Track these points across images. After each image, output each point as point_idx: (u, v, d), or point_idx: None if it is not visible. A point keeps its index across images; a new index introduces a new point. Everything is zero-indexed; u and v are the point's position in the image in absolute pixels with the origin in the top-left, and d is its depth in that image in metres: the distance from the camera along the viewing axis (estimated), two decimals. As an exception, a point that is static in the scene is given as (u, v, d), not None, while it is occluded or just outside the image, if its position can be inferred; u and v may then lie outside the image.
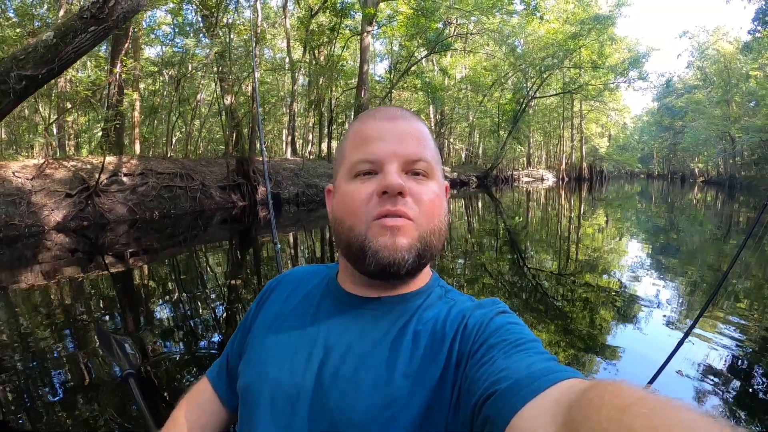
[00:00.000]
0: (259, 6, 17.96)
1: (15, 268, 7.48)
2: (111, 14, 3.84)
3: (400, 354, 0.74)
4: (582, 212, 19.16)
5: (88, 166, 12.44)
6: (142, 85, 18.52)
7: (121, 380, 1.38)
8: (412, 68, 25.00)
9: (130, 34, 15.04)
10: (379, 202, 0.75)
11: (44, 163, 11.68)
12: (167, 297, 5.88)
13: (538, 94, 38.45)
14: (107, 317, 5.03)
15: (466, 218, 16.17)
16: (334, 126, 26.37)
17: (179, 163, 15.39)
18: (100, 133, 18.87)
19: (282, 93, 27.76)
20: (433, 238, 0.78)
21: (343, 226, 0.79)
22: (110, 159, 12.89)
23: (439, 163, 0.83)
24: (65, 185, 11.44)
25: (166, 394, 3.28)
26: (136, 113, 18.00)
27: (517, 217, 16.99)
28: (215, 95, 20.68)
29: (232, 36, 16.73)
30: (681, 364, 3.73)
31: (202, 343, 4.28)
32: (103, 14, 3.82)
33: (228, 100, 17.44)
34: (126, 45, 15.10)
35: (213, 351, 4.01)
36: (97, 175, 11.97)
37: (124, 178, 12.94)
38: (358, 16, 22.31)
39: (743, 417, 3.12)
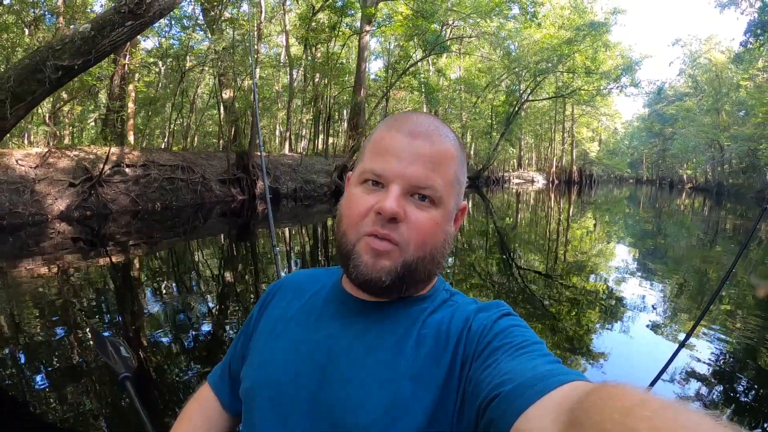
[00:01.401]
0: (263, 2, 18.08)
1: (16, 257, 7.55)
2: (148, 10, 4.01)
3: (405, 356, 0.74)
4: (571, 215, 19.43)
5: (91, 156, 12.55)
6: (137, 76, 18.56)
7: (118, 384, 1.39)
8: (404, 65, 25.25)
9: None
10: (373, 220, 0.75)
11: (47, 152, 11.76)
12: (164, 294, 5.88)
13: (531, 98, 38.83)
14: (103, 313, 5.04)
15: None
16: (330, 123, 26.48)
17: (180, 156, 15.55)
18: (92, 123, 18.91)
19: (277, 89, 27.83)
20: (421, 265, 0.77)
21: (340, 228, 0.80)
22: (113, 150, 13.01)
23: (457, 186, 0.82)
24: (68, 174, 11.55)
25: (163, 396, 3.30)
26: (131, 104, 18.05)
27: (507, 218, 17.28)
28: (214, 89, 20.72)
29: (235, 31, 16.82)
30: (681, 366, 3.85)
31: (200, 344, 4.24)
32: (141, 10, 3.99)
33: (227, 94, 17.56)
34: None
35: (211, 352, 3.99)
36: (99, 165, 12.10)
37: (127, 169, 13.07)
38: (356, 14, 22.44)
39: (744, 417, 3.22)
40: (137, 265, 7.41)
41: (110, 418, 2.94)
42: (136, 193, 12.93)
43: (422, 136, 0.77)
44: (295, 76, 23.86)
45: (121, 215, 11.89)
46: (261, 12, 17.91)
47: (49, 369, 3.60)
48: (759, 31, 25.31)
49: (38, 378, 3.44)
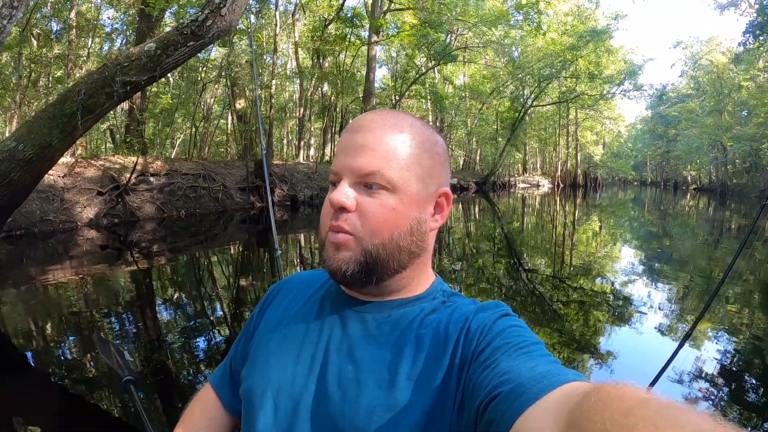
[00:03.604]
0: (277, 15, 18.55)
1: (46, 263, 7.89)
2: (208, 32, 4.43)
3: (403, 357, 0.74)
4: (577, 218, 19.58)
5: (116, 166, 13.01)
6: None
7: (121, 387, 1.39)
8: (413, 75, 25.70)
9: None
10: (331, 214, 0.78)
11: (74, 161, 12.20)
12: (177, 299, 6.04)
13: (535, 103, 39.20)
14: (116, 318, 5.13)
15: (464, 222, 16.66)
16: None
17: (201, 165, 16.06)
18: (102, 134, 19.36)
19: (284, 98, 28.25)
20: (383, 252, 0.77)
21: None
22: (136, 159, 13.43)
23: (419, 170, 0.79)
24: (96, 183, 12.03)
25: (166, 400, 3.35)
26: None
27: (514, 222, 17.46)
28: (227, 99, 21.18)
29: (253, 44, 17.27)
30: (681, 367, 3.88)
31: (207, 348, 4.28)
32: (201, 32, 4.45)
33: (240, 104, 18.09)
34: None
35: (215, 355, 4.03)
36: (125, 174, 12.58)
37: (151, 178, 13.55)
38: (363, 23, 22.85)
39: (744, 417, 3.25)
40: (157, 272, 7.62)
41: (113, 421, 2.98)
42: (161, 201, 13.40)
43: (365, 128, 0.78)
44: (310, 87, 24.26)
45: (148, 222, 12.35)
46: (276, 25, 18.35)
47: (54, 371, 3.71)
48: (758, 32, 25.65)
49: (42, 379, 3.53)
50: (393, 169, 0.76)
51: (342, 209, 0.75)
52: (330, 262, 0.77)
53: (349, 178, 0.76)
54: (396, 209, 0.77)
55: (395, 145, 0.77)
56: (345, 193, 0.75)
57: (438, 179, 0.83)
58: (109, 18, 19.18)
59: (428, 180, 0.80)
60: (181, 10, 16.53)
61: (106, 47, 20.53)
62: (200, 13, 4.47)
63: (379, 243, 0.76)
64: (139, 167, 13.13)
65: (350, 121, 0.88)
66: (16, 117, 13.96)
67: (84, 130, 4.70)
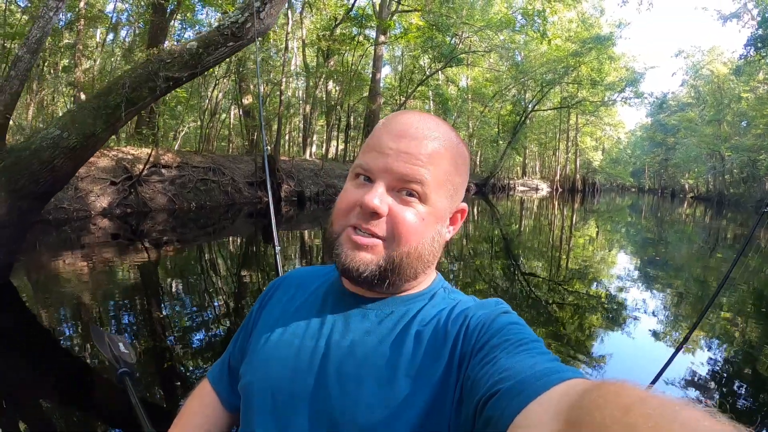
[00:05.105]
0: (289, 15, 18.80)
1: (58, 250, 8.07)
2: (247, 33, 4.74)
3: (403, 353, 0.75)
4: (574, 222, 19.70)
5: (129, 157, 13.27)
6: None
7: (117, 379, 1.37)
8: (419, 77, 25.96)
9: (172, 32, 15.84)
10: (358, 213, 0.76)
11: (88, 152, 12.39)
12: (179, 291, 6.01)
13: (537, 107, 39.48)
14: (116, 307, 5.11)
15: (463, 223, 16.81)
16: (348, 130, 27.21)
17: (210, 158, 16.38)
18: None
19: (288, 95, 28.46)
20: (406, 260, 0.77)
21: (331, 218, 0.81)
22: (149, 151, 13.74)
23: (449, 187, 0.81)
24: (109, 173, 12.28)
25: (164, 393, 3.31)
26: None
27: (512, 225, 17.65)
28: (235, 94, 21.41)
29: (260, 43, 17.51)
30: (679, 369, 3.92)
31: (204, 340, 4.26)
32: (241, 33, 4.73)
33: (248, 99, 18.34)
34: (163, 42, 15.89)
35: (214, 347, 4.02)
36: (138, 165, 12.85)
37: (163, 170, 13.83)
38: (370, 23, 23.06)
39: (743, 417, 3.25)
40: (163, 263, 7.71)
41: (108, 415, 2.93)
42: (172, 192, 13.71)
43: (410, 135, 0.76)
44: (318, 85, 24.51)
45: (159, 213, 12.63)
46: (288, 24, 18.58)
47: (49, 360, 3.66)
48: (759, 44, 25.94)
49: (35, 369, 3.47)
50: (431, 183, 0.76)
51: (375, 214, 0.75)
52: (346, 259, 0.77)
53: (386, 181, 0.76)
54: (425, 220, 0.77)
55: (438, 159, 0.77)
56: (380, 197, 0.75)
57: (460, 196, 0.85)
58: (115, 10, 19.34)
59: (454, 197, 0.83)
60: (186, 0, 16.73)
61: (110, 37, 20.64)
62: (240, 15, 4.77)
63: (404, 251, 0.77)
64: (151, 159, 13.38)
65: (386, 119, 0.83)
66: (32, 105, 14.20)
67: (126, 121, 4.99)
